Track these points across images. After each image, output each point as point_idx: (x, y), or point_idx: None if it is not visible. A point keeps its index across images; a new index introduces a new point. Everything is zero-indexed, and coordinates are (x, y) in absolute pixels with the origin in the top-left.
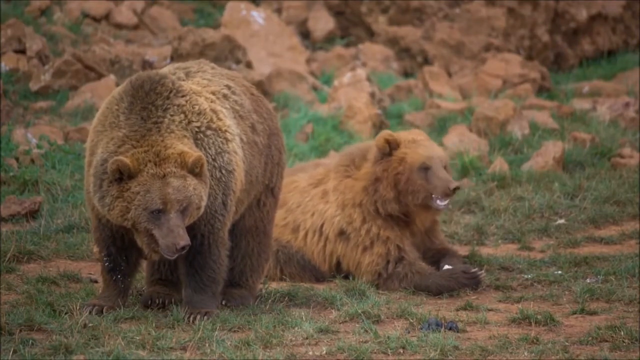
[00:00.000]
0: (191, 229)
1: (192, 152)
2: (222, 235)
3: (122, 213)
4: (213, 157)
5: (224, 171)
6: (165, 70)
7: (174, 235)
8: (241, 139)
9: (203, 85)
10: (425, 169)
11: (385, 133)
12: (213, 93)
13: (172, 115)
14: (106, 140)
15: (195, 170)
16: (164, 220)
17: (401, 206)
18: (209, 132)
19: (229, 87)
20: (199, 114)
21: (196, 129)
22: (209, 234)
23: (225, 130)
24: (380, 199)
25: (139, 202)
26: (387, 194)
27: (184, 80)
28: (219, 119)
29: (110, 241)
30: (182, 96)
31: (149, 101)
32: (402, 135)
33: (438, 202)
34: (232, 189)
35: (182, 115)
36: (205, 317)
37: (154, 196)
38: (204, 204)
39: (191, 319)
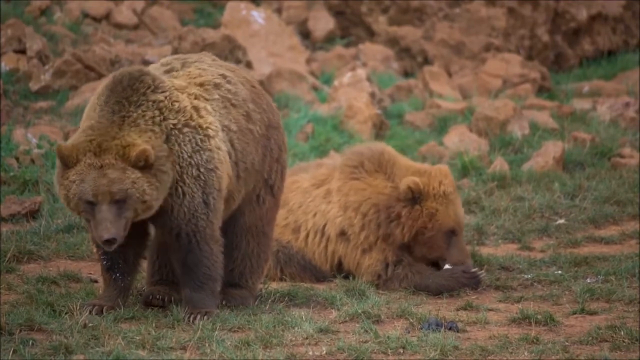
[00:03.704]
0: (172, 228)
1: (139, 145)
2: (209, 232)
3: (66, 201)
4: (189, 154)
5: (202, 169)
6: (163, 60)
7: (100, 228)
8: (229, 129)
9: (194, 76)
10: (451, 232)
11: (410, 180)
12: (202, 84)
13: (144, 111)
14: (79, 132)
15: (139, 164)
16: (95, 212)
17: (405, 243)
18: (185, 130)
19: (224, 77)
20: (177, 111)
21: (171, 126)
22: (193, 233)
23: (207, 127)
24: (389, 232)
25: (75, 191)
26: (400, 236)
27: (177, 70)
28: (200, 116)
29: None
30: (162, 92)
31: (124, 96)
32: (432, 179)
33: (446, 265)
34: (214, 186)
35: (157, 112)
36: (206, 317)
37: (86, 186)
38: (150, 198)
39: (191, 318)
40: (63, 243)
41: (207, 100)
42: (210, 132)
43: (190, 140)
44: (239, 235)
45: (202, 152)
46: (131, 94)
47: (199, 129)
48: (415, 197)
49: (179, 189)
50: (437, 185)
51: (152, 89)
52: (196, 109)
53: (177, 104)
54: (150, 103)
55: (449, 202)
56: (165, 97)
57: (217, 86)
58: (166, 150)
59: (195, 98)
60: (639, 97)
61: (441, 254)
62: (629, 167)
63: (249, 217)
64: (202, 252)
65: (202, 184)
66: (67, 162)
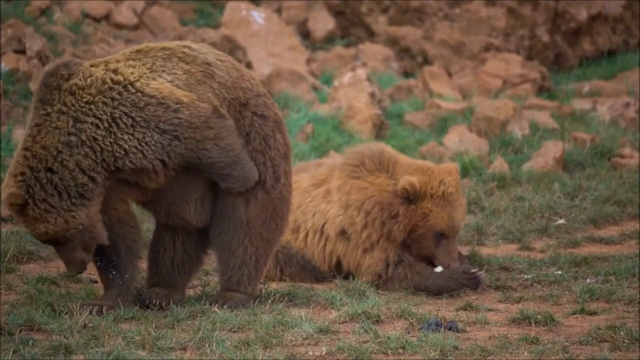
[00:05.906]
0: (165, 169)
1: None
2: (199, 136)
3: None
4: (110, 114)
5: (133, 114)
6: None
7: None
8: (166, 71)
9: (136, 47)
10: (441, 235)
11: (407, 181)
12: (139, 50)
13: (52, 106)
14: None
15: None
16: None
17: (402, 241)
18: (98, 97)
19: (186, 46)
20: (90, 85)
21: (83, 104)
22: (184, 155)
23: (125, 78)
24: (390, 229)
25: None
26: (397, 234)
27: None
28: (117, 74)
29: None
30: (76, 76)
31: (40, 98)
32: (433, 179)
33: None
34: (161, 114)
35: (70, 97)
36: (245, 180)
37: None
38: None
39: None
40: None
41: (135, 59)
42: (131, 78)
43: (105, 103)
44: (236, 240)
45: (124, 102)
46: (45, 93)
47: (116, 85)
48: (410, 197)
49: (124, 149)
50: (437, 185)
51: (65, 77)
52: (114, 70)
53: (90, 79)
54: (63, 93)
55: (446, 203)
56: (80, 79)
57: (164, 49)
58: (64, 147)
59: (117, 61)
60: (639, 97)
61: (429, 253)
62: (629, 167)
63: (237, 209)
64: (210, 153)
65: (144, 125)
66: None
